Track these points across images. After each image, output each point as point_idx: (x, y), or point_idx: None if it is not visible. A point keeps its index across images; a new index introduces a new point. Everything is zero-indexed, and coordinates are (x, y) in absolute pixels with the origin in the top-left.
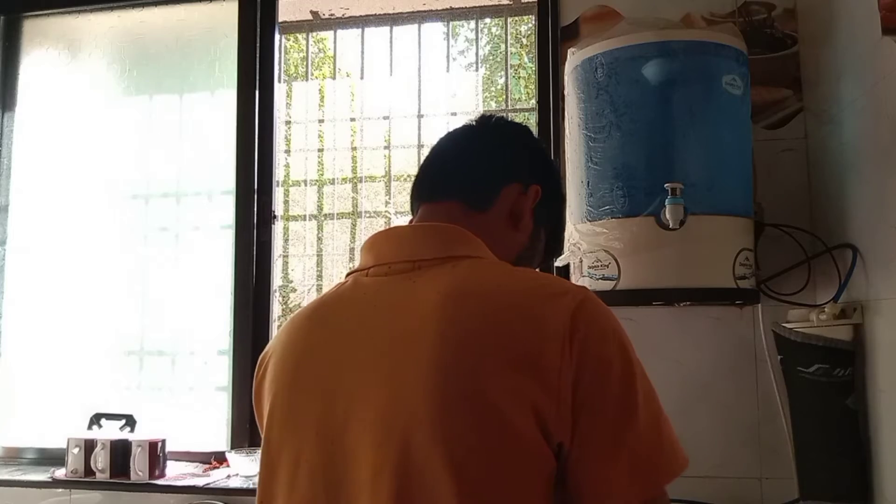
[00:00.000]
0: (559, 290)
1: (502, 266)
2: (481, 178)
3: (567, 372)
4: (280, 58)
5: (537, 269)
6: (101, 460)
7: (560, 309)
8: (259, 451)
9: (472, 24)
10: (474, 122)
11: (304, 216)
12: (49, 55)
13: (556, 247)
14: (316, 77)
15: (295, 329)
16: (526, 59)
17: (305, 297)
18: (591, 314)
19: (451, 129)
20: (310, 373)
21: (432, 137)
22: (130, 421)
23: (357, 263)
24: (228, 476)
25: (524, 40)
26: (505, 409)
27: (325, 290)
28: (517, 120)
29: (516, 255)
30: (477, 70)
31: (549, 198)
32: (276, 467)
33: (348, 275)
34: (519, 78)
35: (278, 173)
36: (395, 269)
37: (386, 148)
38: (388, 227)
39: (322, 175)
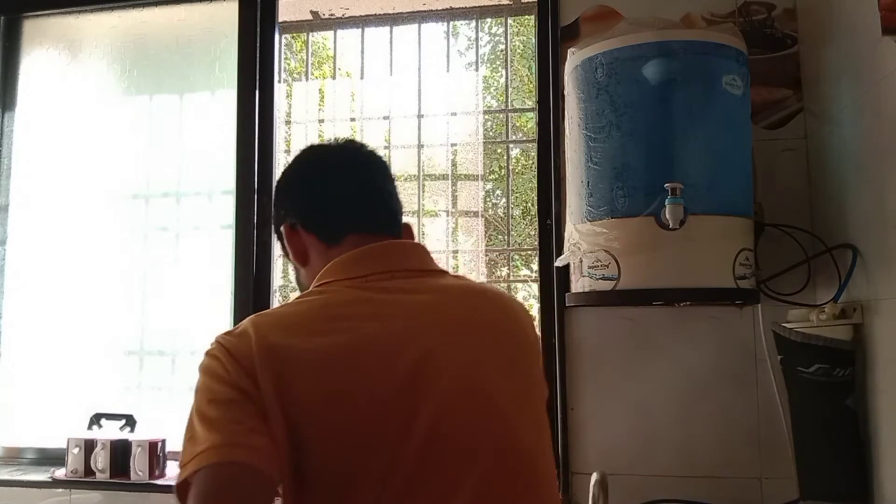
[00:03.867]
0: None
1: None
2: (400, 219)
3: None
4: (280, 58)
5: None
6: (101, 460)
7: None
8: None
9: (473, 23)
10: (375, 154)
11: None
12: (49, 55)
13: None
14: (316, 77)
15: (334, 335)
16: None
17: None
18: None
19: (367, 153)
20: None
21: (432, 137)
22: (130, 421)
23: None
24: None
25: None
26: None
27: None
28: (517, 121)
29: None
30: (477, 70)
31: None
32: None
33: (337, 281)
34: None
35: (278, 173)
36: (415, 274)
37: (386, 148)
38: (375, 245)
39: None
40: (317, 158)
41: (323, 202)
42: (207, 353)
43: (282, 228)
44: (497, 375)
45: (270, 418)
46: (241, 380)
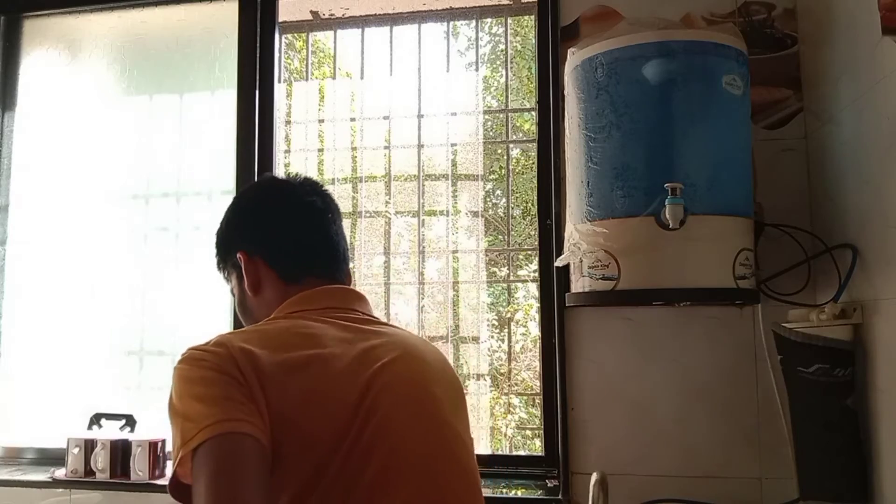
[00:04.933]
0: None
1: None
2: (347, 261)
3: None
4: (280, 58)
5: None
6: (101, 460)
7: None
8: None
9: (473, 23)
10: (329, 194)
11: None
12: (49, 55)
13: None
14: (316, 77)
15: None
16: None
17: None
18: None
19: (323, 194)
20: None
21: (432, 137)
22: (130, 421)
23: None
24: None
25: None
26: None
27: None
28: (516, 121)
29: None
30: (477, 70)
31: None
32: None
33: (301, 311)
34: None
35: (278, 173)
36: (361, 319)
37: (386, 148)
38: (333, 286)
39: (322, 175)
40: (281, 195)
41: (288, 244)
42: (182, 362)
43: (239, 255)
44: (435, 393)
45: (257, 402)
46: (227, 367)
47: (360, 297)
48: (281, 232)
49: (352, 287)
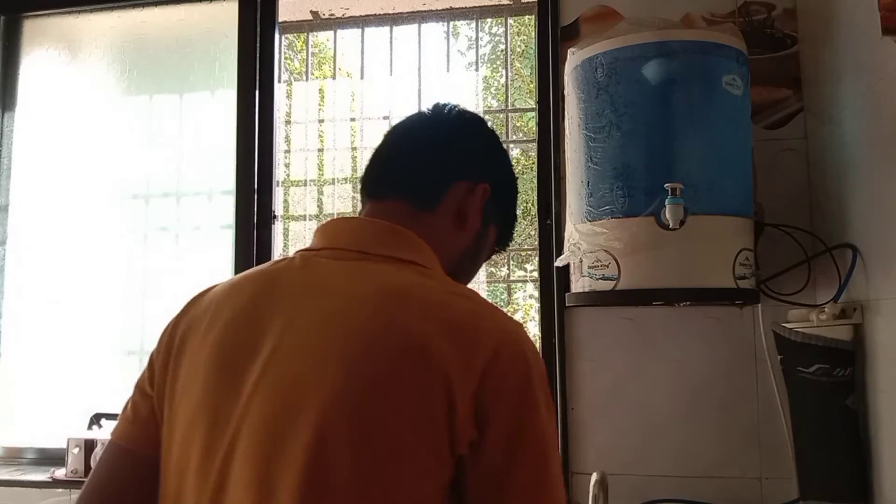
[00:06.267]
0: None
1: (445, 281)
2: (429, 177)
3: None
4: (280, 58)
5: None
6: None
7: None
8: None
9: (473, 23)
10: (428, 112)
11: (305, 216)
12: (49, 55)
13: (506, 242)
14: (316, 77)
15: (236, 295)
16: None
17: None
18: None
19: (405, 119)
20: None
21: None
22: None
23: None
24: None
25: None
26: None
27: None
28: (516, 121)
29: (458, 254)
30: (477, 70)
31: (500, 195)
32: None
33: (297, 252)
34: None
35: (278, 173)
36: (344, 256)
37: None
38: (342, 217)
39: (322, 175)
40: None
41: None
42: None
43: None
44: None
45: (156, 398)
46: (154, 351)
47: (357, 229)
48: None
49: (365, 218)
